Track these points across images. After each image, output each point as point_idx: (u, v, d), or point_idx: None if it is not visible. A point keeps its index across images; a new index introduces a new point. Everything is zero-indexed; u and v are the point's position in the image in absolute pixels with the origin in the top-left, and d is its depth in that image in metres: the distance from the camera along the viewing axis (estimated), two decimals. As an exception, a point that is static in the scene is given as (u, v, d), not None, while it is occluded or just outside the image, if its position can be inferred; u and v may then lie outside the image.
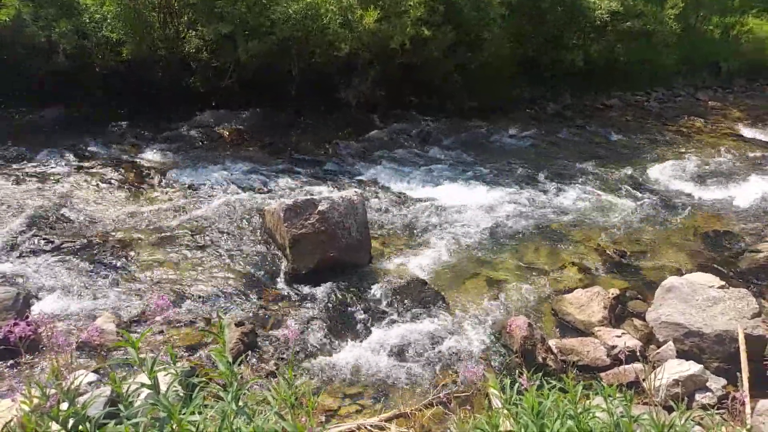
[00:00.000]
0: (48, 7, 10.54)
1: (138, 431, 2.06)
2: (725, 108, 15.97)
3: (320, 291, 5.90)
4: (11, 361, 4.52)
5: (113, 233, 6.79)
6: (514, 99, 13.91)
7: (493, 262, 6.81)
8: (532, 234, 7.54)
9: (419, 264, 6.60)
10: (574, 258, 6.98)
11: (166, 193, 8.12)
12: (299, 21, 10.75)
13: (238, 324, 5.16)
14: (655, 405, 2.67)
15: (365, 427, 3.96)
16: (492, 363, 5.08)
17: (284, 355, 4.95)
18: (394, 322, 5.52)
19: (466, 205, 8.20)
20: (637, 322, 5.71)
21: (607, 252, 7.15)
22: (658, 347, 5.30)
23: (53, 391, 2.06)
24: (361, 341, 5.24)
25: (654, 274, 6.65)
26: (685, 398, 4.38)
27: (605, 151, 11.44)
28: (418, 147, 10.97)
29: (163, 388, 2.14)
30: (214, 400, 2.37)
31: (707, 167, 10.50)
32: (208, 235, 6.89)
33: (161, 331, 5.13)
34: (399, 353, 5.06)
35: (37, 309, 5.23)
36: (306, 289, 5.97)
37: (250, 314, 5.54)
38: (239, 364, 2.28)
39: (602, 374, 4.95)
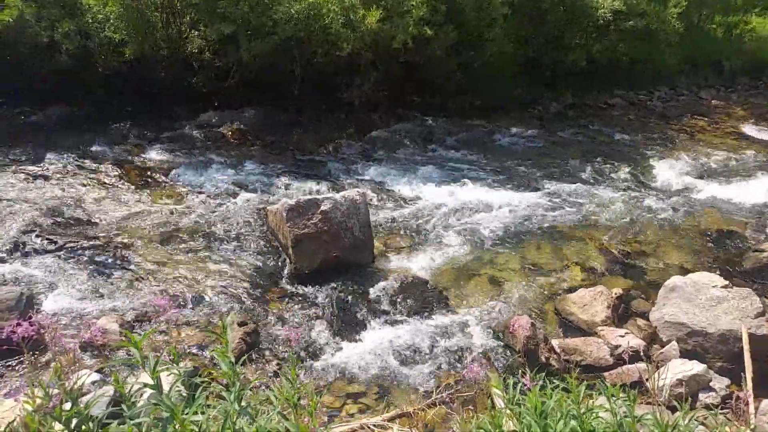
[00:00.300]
0: (51, 7, 10.56)
1: (141, 431, 2.06)
2: (728, 107, 15.92)
3: (323, 291, 5.90)
4: (14, 361, 4.53)
5: (116, 233, 6.80)
6: (517, 98, 13.88)
7: (495, 261, 6.81)
8: (534, 233, 7.53)
9: (422, 264, 6.60)
10: (577, 257, 6.97)
11: (169, 193, 8.13)
12: (301, 21, 10.75)
13: (241, 324, 5.16)
14: (659, 405, 2.66)
15: (368, 427, 3.96)
16: (495, 363, 5.08)
17: (287, 355, 4.95)
18: (396, 321, 5.51)
19: (469, 204, 8.20)
20: (640, 321, 5.69)
21: (611, 251, 7.14)
22: (662, 347, 5.29)
23: (56, 390, 2.07)
24: (363, 341, 5.24)
25: (657, 274, 6.63)
26: (689, 398, 4.36)
27: (608, 150, 11.41)
28: (420, 146, 10.96)
29: (165, 388, 2.14)
30: (216, 400, 2.37)
31: (710, 166, 10.47)
32: (210, 235, 6.90)
33: (164, 331, 5.14)
34: (402, 353, 5.06)
35: (40, 309, 5.24)
36: (309, 289, 5.97)
37: (253, 314, 5.54)
38: (242, 364, 2.27)
39: (605, 374, 4.95)
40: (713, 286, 5.55)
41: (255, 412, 2.21)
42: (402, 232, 7.41)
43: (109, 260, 6.23)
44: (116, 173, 8.53)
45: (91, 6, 10.80)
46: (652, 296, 6.00)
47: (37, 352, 4.59)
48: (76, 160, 8.83)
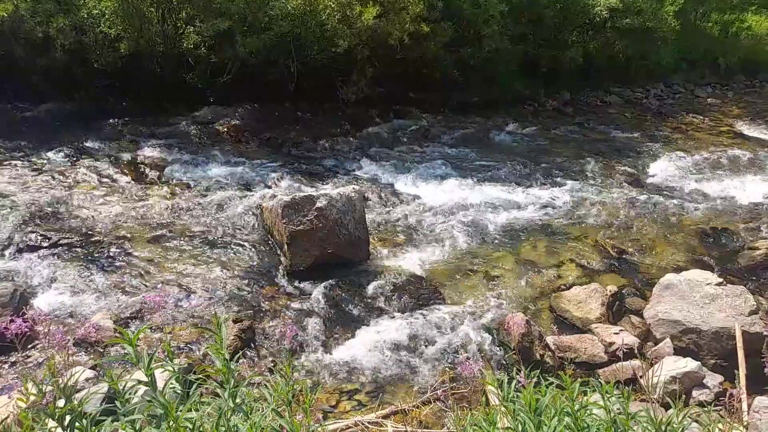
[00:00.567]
0: (46, 2, 10.52)
1: (135, 428, 2.06)
2: (724, 105, 15.97)
3: (318, 287, 5.90)
4: (7, 358, 4.51)
5: (111, 229, 6.78)
6: (513, 95, 13.89)
7: (491, 258, 6.81)
8: (530, 231, 7.55)
9: (417, 261, 6.60)
10: (572, 255, 6.99)
11: (164, 189, 8.11)
12: (298, 17, 10.73)
13: (236, 320, 5.16)
14: (653, 402, 2.67)
15: (362, 424, 3.96)
16: (490, 360, 5.08)
17: (281, 352, 4.95)
18: (391, 318, 5.52)
19: (465, 201, 8.20)
20: (634, 319, 5.71)
21: (605, 249, 7.16)
22: (656, 344, 5.31)
23: (50, 387, 2.06)
24: (358, 338, 5.24)
25: (652, 272, 6.66)
26: (683, 395, 4.38)
27: (604, 147, 11.43)
28: (416, 143, 10.96)
29: (160, 385, 2.13)
30: (211, 397, 2.37)
31: (705, 164, 10.50)
32: (205, 232, 6.89)
33: (158, 328, 5.13)
34: (396, 350, 5.06)
35: (33, 305, 5.22)
36: (304, 286, 5.97)
37: (248, 311, 5.53)
38: (236, 361, 2.27)
39: (600, 371, 4.96)
40: (707, 284, 5.57)
41: (249, 409, 2.20)
42: (397, 229, 7.41)
43: (104, 257, 6.21)
44: (111, 169, 8.50)
45: (86, 1, 10.75)
46: (647, 294, 6.02)
47: (30, 349, 4.58)
48: (71, 156, 8.80)
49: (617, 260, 6.95)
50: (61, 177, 8.06)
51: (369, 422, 3.98)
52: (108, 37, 10.64)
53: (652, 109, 15.13)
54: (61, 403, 2.05)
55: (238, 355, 2.71)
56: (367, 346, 5.09)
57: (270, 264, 6.36)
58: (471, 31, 12.82)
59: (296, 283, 6.01)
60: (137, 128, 10.25)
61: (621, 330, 5.45)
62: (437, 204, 8.10)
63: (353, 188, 6.69)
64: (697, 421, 2.89)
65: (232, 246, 6.63)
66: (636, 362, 4.84)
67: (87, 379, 4.04)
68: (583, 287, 6.04)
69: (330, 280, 5.99)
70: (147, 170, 8.67)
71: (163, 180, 8.41)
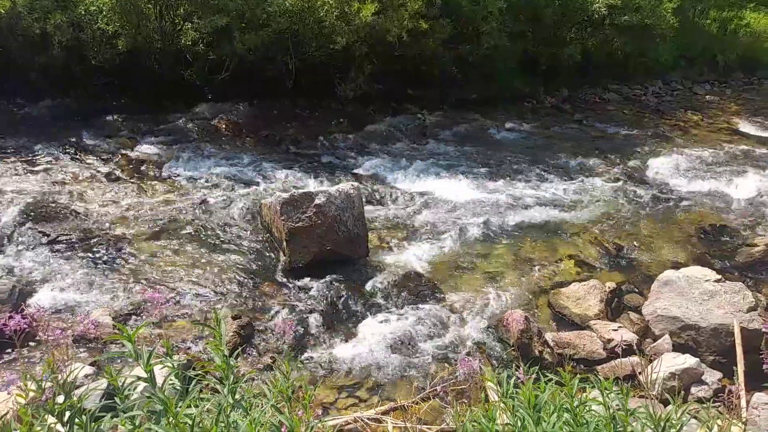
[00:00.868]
0: (43, -1, 10.48)
1: (134, 424, 2.05)
2: (722, 102, 15.98)
3: (317, 284, 5.90)
4: (7, 354, 4.51)
5: (109, 226, 6.77)
6: (512, 92, 13.88)
7: (490, 255, 6.82)
8: (529, 227, 7.55)
9: (416, 257, 6.60)
10: (570, 251, 6.99)
11: (163, 186, 8.10)
12: (296, 13, 10.71)
13: (235, 317, 5.16)
14: (652, 398, 2.68)
15: (362, 420, 3.96)
16: (489, 356, 5.09)
17: (281, 348, 4.94)
18: (390, 315, 5.52)
19: (463, 198, 8.20)
20: (633, 315, 5.72)
21: (604, 245, 7.16)
22: (655, 341, 5.31)
23: (49, 384, 2.06)
24: (357, 334, 5.24)
25: (650, 268, 6.66)
26: (681, 391, 4.38)
27: (602, 144, 11.44)
28: (415, 140, 10.95)
29: (159, 381, 2.13)
30: (210, 394, 2.37)
31: (704, 161, 10.51)
32: (204, 229, 6.88)
33: (158, 324, 5.12)
34: (396, 346, 5.06)
35: (32, 302, 5.21)
36: (303, 283, 5.97)
37: (247, 307, 5.53)
38: (236, 357, 2.27)
39: (599, 367, 4.97)
40: (706, 281, 5.58)
41: (249, 406, 2.20)
42: (396, 225, 7.41)
43: (102, 253, 6.20)
44: (110, 166, 8.49)
45: (83, -3, 10.72)
46: (645, 290, 6.03)
47: (29, 345, 4.57)
48: (69, 153, 8.78)
49: (616, 257, 6.96)
50: (60, 174, 8.05)
51: (368, 418, 3.98)
52: (106, 33, 10.61)
53: (650, 106, 15.13)
54: (60, 399, 2.05)
55: (237, 352, 2.71)
56: (367, 342, 5.09)
57: (269, 261, 6.36)
58: (470, 27, 12.81)
59: (295, 280, 6.01)
60: (136, 125, 10.23)
61: (620, 326, 5.46)
62: (436, 201, 8.10)
63: (352, 185, 6.69)
64: (695, 418, 2.90)
65: (231, 243, 6.63)
66: (635, 359, 4.84)
67: (86, 376, 4.03)
68: (582, 284, 6.05)
69: (329, 277, 5.99)
70: (145, 167, 8.65)
71: (162, 177, 8.40)
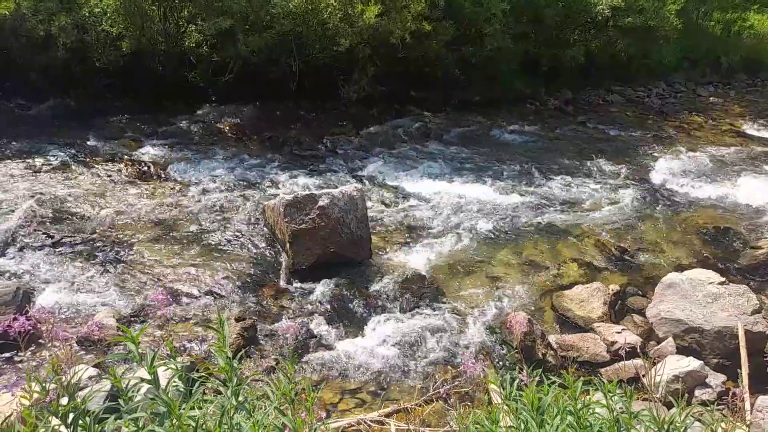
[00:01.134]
0: (47, 0, 10.52)
1: (138, 426, 2.06)
2: (726, 104, 15.95)
3: (320, 286, 5.90)
4: (11, 356, 4.52)
5: (113, 228, 6.78)
6: (515, 94, 13.88)
7: (493, 257, 6.81)
8: (532, 230, 7.54)
9: (419, 259, 6.59)
10: (574, 254, 6.98)
11: (166, 188, 8.11)
12: (299, 16, 10.74)
13: (238, 319, 5.16)
14: (655, 401, 2.67)
15: (365, 422, 3.96)
16: (492, 359, 5.08)
17: (284, 350, 4.95)
18: (394, 317, 5.51)
19: (466, 200, 8.20)
20: (637, 318, 5.70)
21: (608, 248, 7.15)
22: (658, 343, 5.30)
23: (53, 385, 2.06)
24: (361, 336, 5.24)
25: (654, 271, 6.65)
26: (685, 394, 4.38)
27: (605, 146, 11.42)
28: (418, 142, 10.95)
29: (163, 383, 2.13)
30: (213, 395, 2.37)
31: (707, 164, 10.48)
32: (208, 231, 6.89)
33: (161, 326, 5.13)
34: (399, 348, 5.06)
35: (36, 304, 5.22)
36: (306, 285, 5.97)
37: (250, 309, 5.54)
38: (239, 359, 2.27)
39: (602, 370, 4.96)
40: (710, 283, 5.56)
41: (252, 408, 2.20)
42: (399, 227, 7.41)
43: (106, 255, 6.21)
44: (113, 168, 8.51)
45: (88, -1, 10.77)
46: (649, 293, 6.01)
47: (33, 347, 4.58)
48: (73, 155, 8.81)
49: (619, 259, 6.95)
50: (63, 175, 8.07)
51: (371, 420, 3.98)
52: (110, 35, 10.64)
53: (653, 108, 15.10)
54: (64, 400, 2.06)
55: (240, 354, 2.71)
56: (370, 344, 5.09)
57: (272, 263, 6.36)
58: (472, 29, 12.81)
59: (298, 282, 6.01)
60: (139, 127, 10.26)
61: (623, 329, 5.45)
62: (439, 203, 8.10)
63: (355, 187, 6.69)
64: (699, 420, 2.89)
65: (235, 245, 6.64)
66: (638, 361, 4.83)
67: (90, 377, 4.04)
68: (586, 286, 6.04)
69: (332, 279, 5.99)
70: (149, 169, 8.67)
71: (165, 179, 8.42)
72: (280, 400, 2.26)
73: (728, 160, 10.69)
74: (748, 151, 11.32)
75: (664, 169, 10.03)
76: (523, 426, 2.29)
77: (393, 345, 5.08)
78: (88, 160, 8.70)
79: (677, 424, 2.32)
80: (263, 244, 6.65)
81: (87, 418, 2.03)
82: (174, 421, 2.01)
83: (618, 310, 5.87)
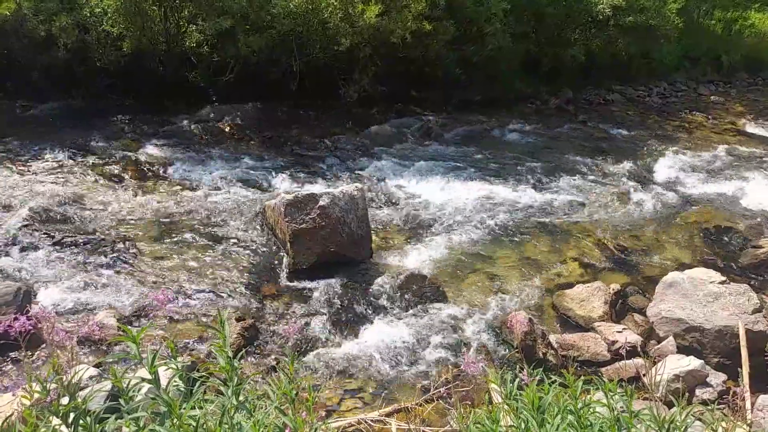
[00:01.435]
0: (48, 1, 10.53)
1: (139, 426, 2.06)
2: (727, 103, 15.92)
3: (321, 286, 5.90)
4: (11, 356, 4.52)
5: (113, 228, 6.79)
6: (516, 93, 13.87)
7: (493, 257, 6.81)
8: (532, 229, 7.54)
9: (420, 259, 6.60)
10: (574, 253, 6.98)
11: (167, 187, 8.12)
12: (300, 15, 10.73)
13: (239, 319, 5.17)
14: (656, 400, 2.67)
15: (366, 422, 3.96)
16: (492, 358, 5.08)
17: (285, 350, 4.95)
18: (394, 316, 5.52)
19: (467, 200, 8.20)
20: (637, 317, 5.71)
21: (608, 247, 7.15)
22: (659, 342, 5.30)
23: (54, 385, 2.06)
24: (361, 336, 5.24)
25: (655, 270, 6.64)
26: (686, 393, 4.38)
27: (606, 146, 11.41)
28: (419, 141, 10.95)
29: (163, 382, 2.14)
30: (214, 395, 2.37)
31: (709, 162, 10.48)
32: (208, 230, 6.89)
33: (162, 326, 5.14)
34: (399, 348, 5.06)
35: (37, 303, 5.23)
36: (307, 284, 5.97)
37: (251, 309, 5.54)
38: (240, 359, 2.27)
39: (603, 369, 4.96)
40: (710, 282, 5.56)
41: (253, 407, 2.21)
42: (400, 227, 7.41)
43: (107, 255, 6.22)
44: (114, 168, 8.51)
45: (88, -1, 10.78)
46: (650, 292, 6.01)
47: (34, 347, 4.59)
48: (74, 155, 8.81)
49: (620, 258, 6.95)
50: (64, 175, 8.07)
51: (372, 420, 3.99)
52: (110, 35, 10.65)
53: (654, 107, 15.09)
54: (65, 400, 2.06)
55: (241, 353, 2.71)
56: (370, 344, 5.09)
57: (273, 262, 6.37)
58: (473, 28, 12.80)
59: (299, 282, 6.02)
60: (140, 127, 10.26)
61: (624, 328, 5.45)
62: (440, 202, 8.10)
63: (356, 186, 6.69)
64: (700, 420, 2.89)
65: (235, 244, 6.64)
66: (639, 360, 4.83)
67: (91, 377, 4.04)
68: (586, 285, 6.04)
69: (333, 279, 6.00)
70: (150, 169, 8.67)
71: (166, 179, 8.42)
72: (280, 399, 2.26)
73: (729, 159, 10.68)
74: (749, 149, 11.31)
75: (665, 168, 10.03)
76: (523, 425, 2.29)
77: (393, 344, 5.09)
78: (89, 159, 8.71)
79: (678, 424, 2.32)
80: (264, 244, 6.66)
81: (88, 418, 2.03)
82: (175, 421, 2.01)
83: (619, 309, 5.87)
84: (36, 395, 2.02)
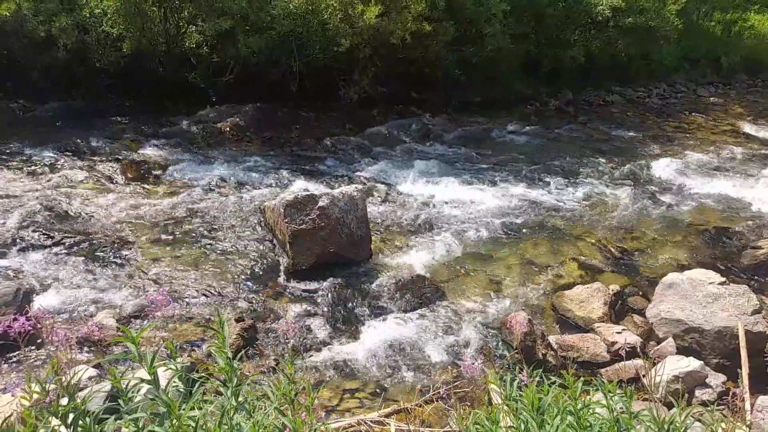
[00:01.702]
0: (48, 1, 10.54)
1: (138, 426, 2.06)
2: (726, 104, 15.94)
3: (320, 287, 5.90)
4: (11, 356, 4.52)
5: (113, 228, 6.79)
6: (516, 94, 13.88)
7: (493, 258, 6.81)
8: (532, 230, 7.54)
9: (419, 260, 6.59)
10: (574, 254, 6.98)
11: (167, 188, 8.12)
12: (300, 16, 10.74)
13: (238, 319, 5.16)
14: (655, 401, 2.67)
15: (365, 423, 3.96)
16: (492, 359, 5.08)
17: (284, 351, 4.95)
18: (394, 317, 5.51)
19: (467, 201, 8.20)
20: (637, 318, 5.70)
21: (608, 248, 7.15)
22: (658, 343, 5.30)
23: (53, 386, 2.06)
24: (361, 337, 5.24)
25: (654, 271, 6.64)
26: (685, 394, 4.37)
27: (606, 147, 11.42)
28: (418, 142, 10.95)
29: (163, 383, 2.13)
30: (213, 396, 2.37)
31: (708, 164, 10.48)
32: (208, 231, 6.89)
33: (161, 327, 5.13)
34: (399, 349, 5.06)
35: (37, 304, 5.23)
36: (306, 285, 5.97)
37: (250, 310, 5.54)
38: (239, 360, 2.27)
39: (602, 370, 4.95)
40: (710, 283, 5.56)
41: (252, 408, 2.21)
42: (399, 228, 7.41)
43: (106, 255, 6.22)
44: (113, 168, 8.52)
45: (88, 0, 10.77)
46: (649, 293, 6.01)
47: (33, 347, 4.59)
48: (74, 155, 8.81)
49: (619, 259, 6.95)
50: (64, 176, 8.07)
51: (372, 421, 3.98)
52: (110, 36, 10.66)
53: (654, 108, 15.10)
54: (64, 401, 2.06)
55: (240, 354, 2.71)
56: (370, 344, 5.09)
57: (272, 263, 6.36)
58: (473, 30, 12.81)
59: (298, 283, 6.01)
60: (139, 128, 10.26)
61: (623, 329, 5.44)
62: (439, 203, 8.10)
63: (355, 187, 6.69)
64: (700, 421, 2.89)
65: (235, 245, 6.64)
66: (638, 361, 4.83)
67: (90, 378, 4.04)
68: (586, 286, 6.03)
69: (332, 280, 5.99)
70: (149, 169, 8.67)
71: (166, 179, 8.42)
72: (280, 400, 2.26)
73: (729, 160, 10.69)
74: (748, 151, 11.32)
75: (664, 170, 10.03)
76: (523, 426, 2.29)
77: (393, 345, 5.08)
78: (89, 160, 8.71)
79: (677, 424, 2.32)
80: (263, 245, 6.66)
81: (87, 419, 2.03)
82: (174, 422, 2.01)
83: (618, 310, 5.87)
84: (35, 396, 2.02)
